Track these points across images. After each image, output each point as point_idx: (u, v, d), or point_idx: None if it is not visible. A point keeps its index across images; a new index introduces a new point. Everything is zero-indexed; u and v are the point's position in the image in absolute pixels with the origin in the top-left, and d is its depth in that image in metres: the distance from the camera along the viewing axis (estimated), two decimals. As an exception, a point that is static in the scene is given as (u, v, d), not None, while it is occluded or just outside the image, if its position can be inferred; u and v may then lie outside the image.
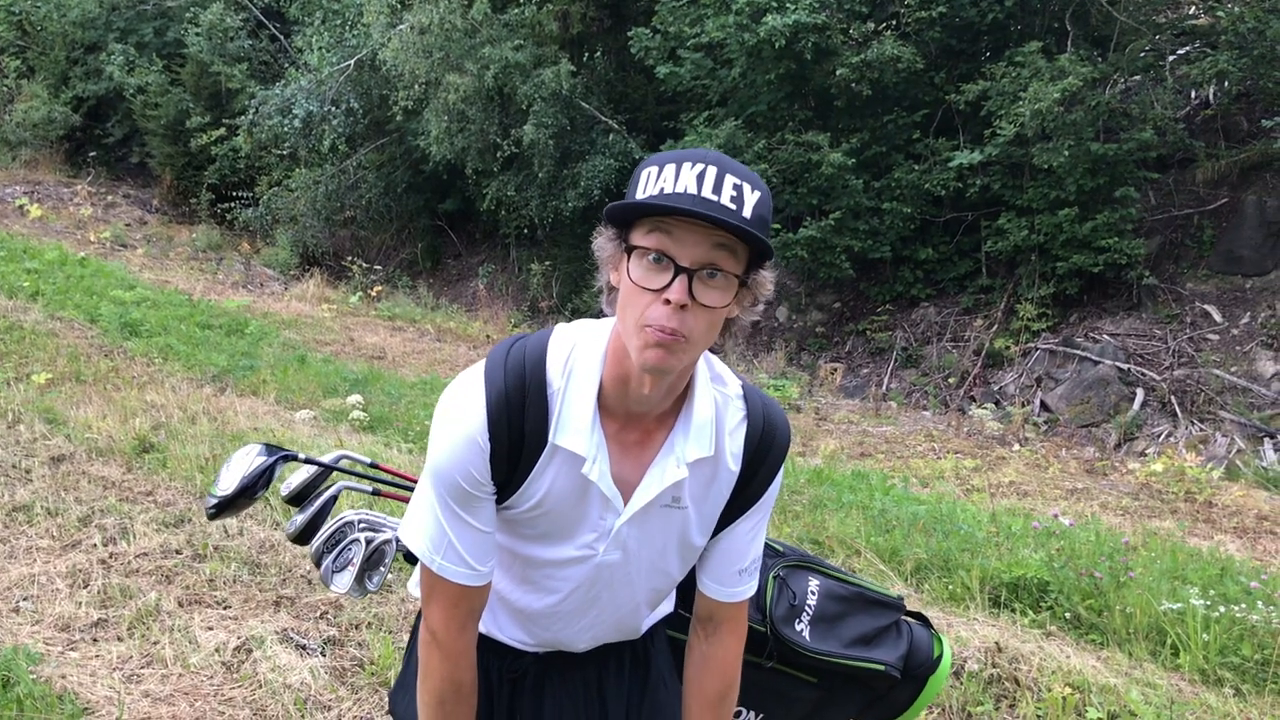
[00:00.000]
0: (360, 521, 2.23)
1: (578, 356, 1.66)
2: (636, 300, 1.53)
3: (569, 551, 1.74)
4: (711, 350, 1.68)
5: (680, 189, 1.48)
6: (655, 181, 1.51)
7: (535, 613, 1.83)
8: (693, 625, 1.94)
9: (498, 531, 1.74)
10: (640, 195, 1.52)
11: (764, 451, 1.76)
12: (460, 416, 1.64)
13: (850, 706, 2.16)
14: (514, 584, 1.82)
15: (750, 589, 1.88)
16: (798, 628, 2.07)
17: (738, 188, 1.50)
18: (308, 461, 2.26)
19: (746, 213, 1.49)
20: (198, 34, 19.73)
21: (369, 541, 2.17)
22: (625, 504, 1.69)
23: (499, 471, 1.65)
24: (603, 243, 1.60)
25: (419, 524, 1.74)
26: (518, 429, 1.63)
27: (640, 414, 1.68)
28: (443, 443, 1.65)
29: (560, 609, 1.81)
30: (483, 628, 1.86)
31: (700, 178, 1.48)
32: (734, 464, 1.74)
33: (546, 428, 1.64)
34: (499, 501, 1.70)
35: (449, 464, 1.64)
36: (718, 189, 1.48)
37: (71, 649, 3.90)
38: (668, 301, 1.50)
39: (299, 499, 2.27)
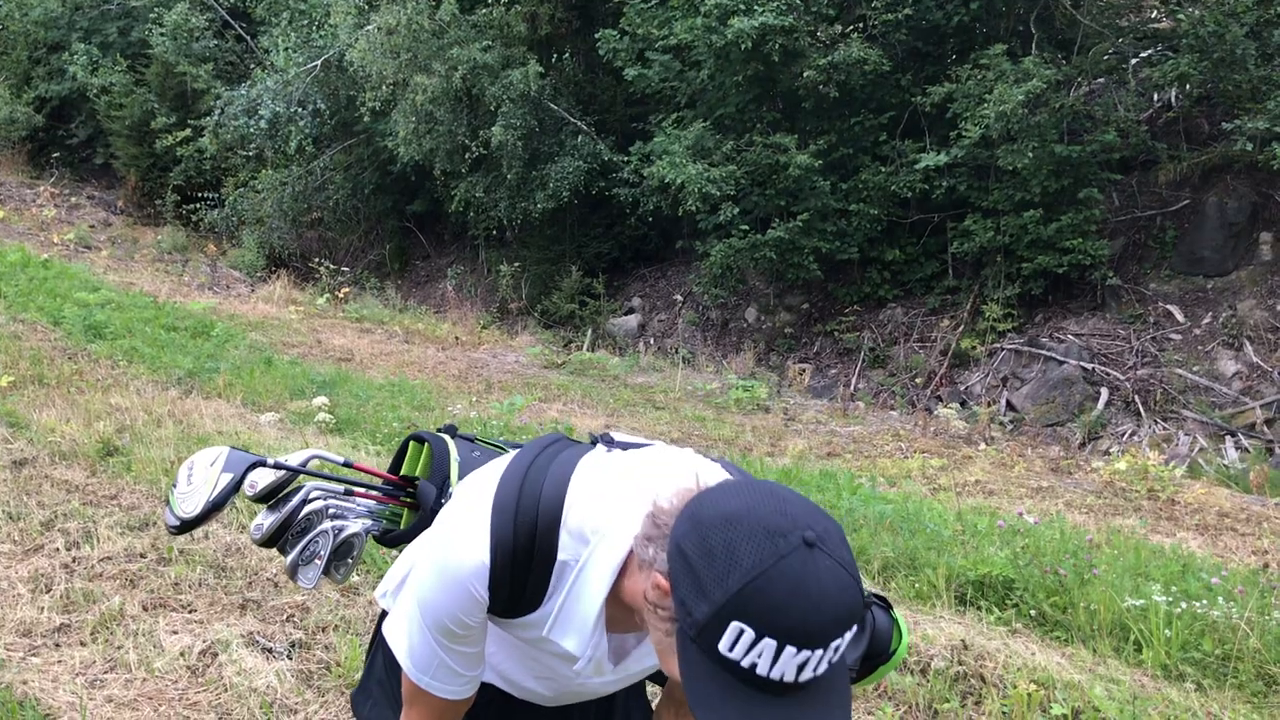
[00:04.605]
0: (328, 510, 2.14)
1: (596, 552, 1.49)
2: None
3: (552, 670, 1.69)
4: None
5: (775, 675, 1.23)
6: (748, 648, 1.22)
7: (509, 680, 1.79)
8: (662, 700, 1.91)
9: None
10: (725, 648, 1.23)
11: None
12: (460, 565, 1.52)
13: None
14: (493, 644, 1.75)
15: None
16: None
17: (838, 648, 1.25)
18: (277, 467, 2.20)
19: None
20: (162, 34, 19.53)
21: (337, 533, 2.09)
22: (616, 663, 1.64)
23: (493, 612, 1.57)
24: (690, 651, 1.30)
25: (406, 641, 1.65)
26: (519, 588, 1.53)
27: None
28: (436, 585, 1.55)
29: (535, 691, 1.78)
30: None
31: (801, 669, 1.23)
32: None
33: (544, 593, 1.53)
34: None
35: (441, 608, 1.55)
36: (818, 667, 1.24)
37: (33, 654, 3.85)
38: None
39: (267, 499, 2.16)
